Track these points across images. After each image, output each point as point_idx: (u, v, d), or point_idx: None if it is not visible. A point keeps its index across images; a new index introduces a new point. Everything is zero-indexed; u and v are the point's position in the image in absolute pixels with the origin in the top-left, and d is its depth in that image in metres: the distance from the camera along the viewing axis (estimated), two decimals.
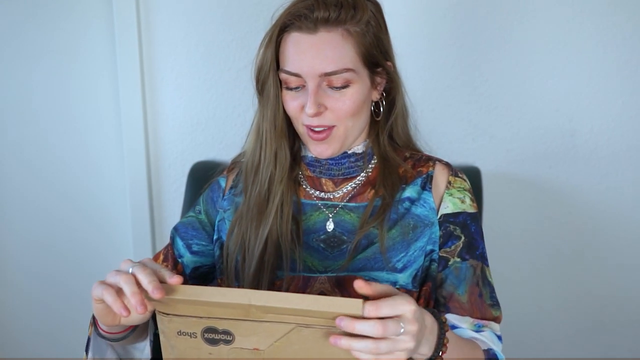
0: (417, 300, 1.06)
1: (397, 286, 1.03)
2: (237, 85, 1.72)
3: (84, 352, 0.98)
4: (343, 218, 1.09)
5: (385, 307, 0.76)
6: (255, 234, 1.08)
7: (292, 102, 1.05)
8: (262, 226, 1.08)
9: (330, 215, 1.09)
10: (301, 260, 1.07)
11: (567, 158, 1.71)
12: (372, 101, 1.10)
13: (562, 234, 1.76)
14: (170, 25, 1.70)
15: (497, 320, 1.08)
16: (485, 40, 1.66)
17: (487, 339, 1.05)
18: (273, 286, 1.07)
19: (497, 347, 1.05)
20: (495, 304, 1.08)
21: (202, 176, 1.67)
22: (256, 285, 1.07)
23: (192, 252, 1.15)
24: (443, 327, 0.87)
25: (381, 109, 1.11)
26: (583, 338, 1.81)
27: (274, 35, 1.03)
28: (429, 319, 0.85)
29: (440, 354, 0.86)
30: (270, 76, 1.05)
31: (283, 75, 1.04)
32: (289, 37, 1.02)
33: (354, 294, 0.78)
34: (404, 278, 1.04)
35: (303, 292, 1.06)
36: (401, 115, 1.14)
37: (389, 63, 1.08)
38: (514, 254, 1.76)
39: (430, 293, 1.06)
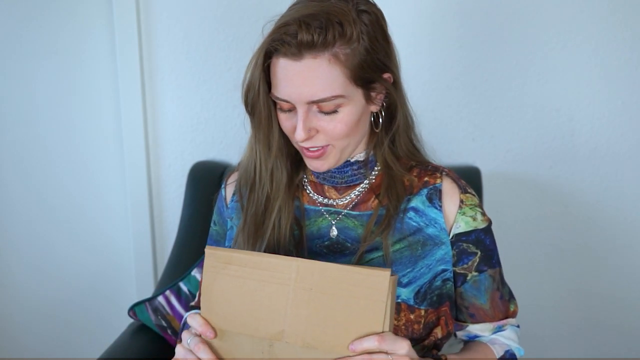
0: (438, 320, 1.07)
1: (399, 300, 1.03)
2: (238, 85, 1.68)
3: None
4: (347, 225, 1.08)
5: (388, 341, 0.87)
6: (252, 250, 1.07)
7: (286, 122, 1.02)
8: (258, 243, 1.07)
9: (334, 222, 1.08)
10: None
11: (567, 158, 1.71)
12: (372, 112, 1.05)
13: (562, 234, 1.76)
14: (170, 25, 1.70)
15: (514, 314, 1.14)
16: (485, 40, 1.66)
17: (506, 337, 1.12)
18: None
19: (515, 342, 1.13)
20: (512, 297, 1.15)
21: (202, 176, 1.67)
22: None
23: None
24: None
25: (380, 120, 1.06)
26: (582, 338, 1.81)
27: (259, 60, 0.99)
28: None
29: None
30: (261, 99, 1.02)
31: (274, 98, 1.01)
32: (277, 61, 0.98)
33: None
34: (406, 293, 1.03)
35: None
36: (403, 129, 1.08)
37: (386, 75, 1.02)
38: (514, 254, 1.76)
39: (449, 313, 1.07)
